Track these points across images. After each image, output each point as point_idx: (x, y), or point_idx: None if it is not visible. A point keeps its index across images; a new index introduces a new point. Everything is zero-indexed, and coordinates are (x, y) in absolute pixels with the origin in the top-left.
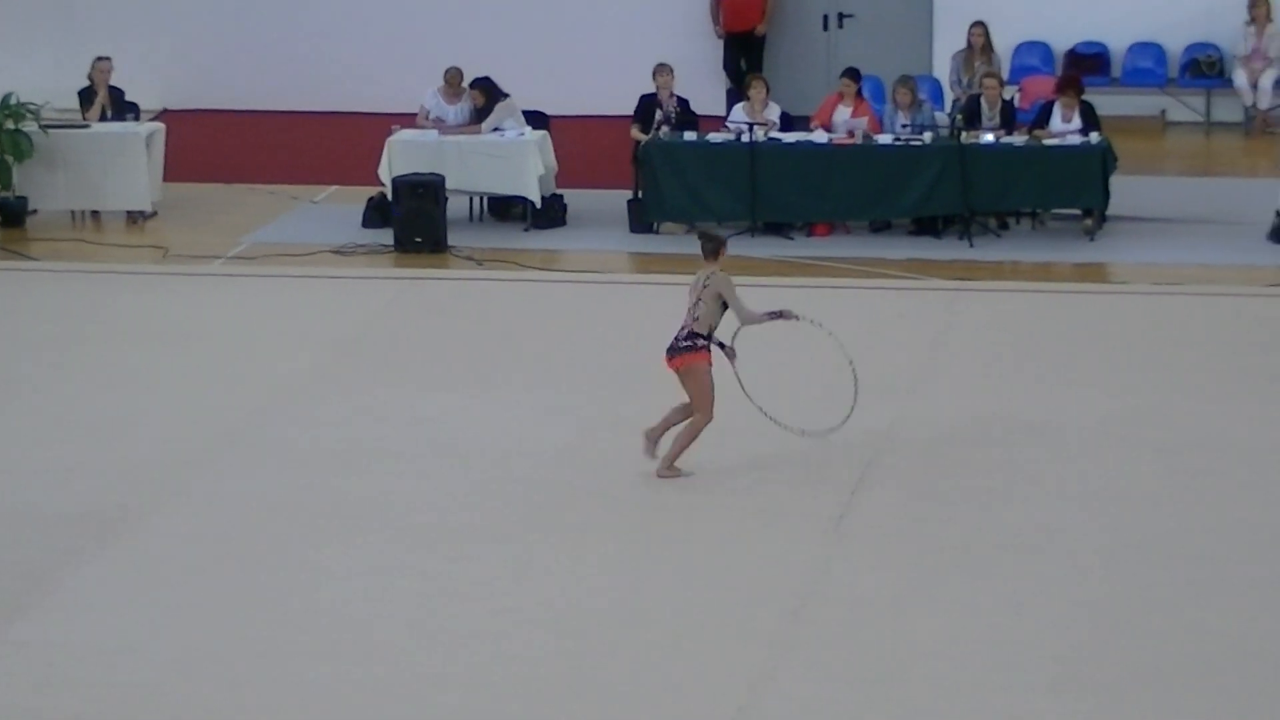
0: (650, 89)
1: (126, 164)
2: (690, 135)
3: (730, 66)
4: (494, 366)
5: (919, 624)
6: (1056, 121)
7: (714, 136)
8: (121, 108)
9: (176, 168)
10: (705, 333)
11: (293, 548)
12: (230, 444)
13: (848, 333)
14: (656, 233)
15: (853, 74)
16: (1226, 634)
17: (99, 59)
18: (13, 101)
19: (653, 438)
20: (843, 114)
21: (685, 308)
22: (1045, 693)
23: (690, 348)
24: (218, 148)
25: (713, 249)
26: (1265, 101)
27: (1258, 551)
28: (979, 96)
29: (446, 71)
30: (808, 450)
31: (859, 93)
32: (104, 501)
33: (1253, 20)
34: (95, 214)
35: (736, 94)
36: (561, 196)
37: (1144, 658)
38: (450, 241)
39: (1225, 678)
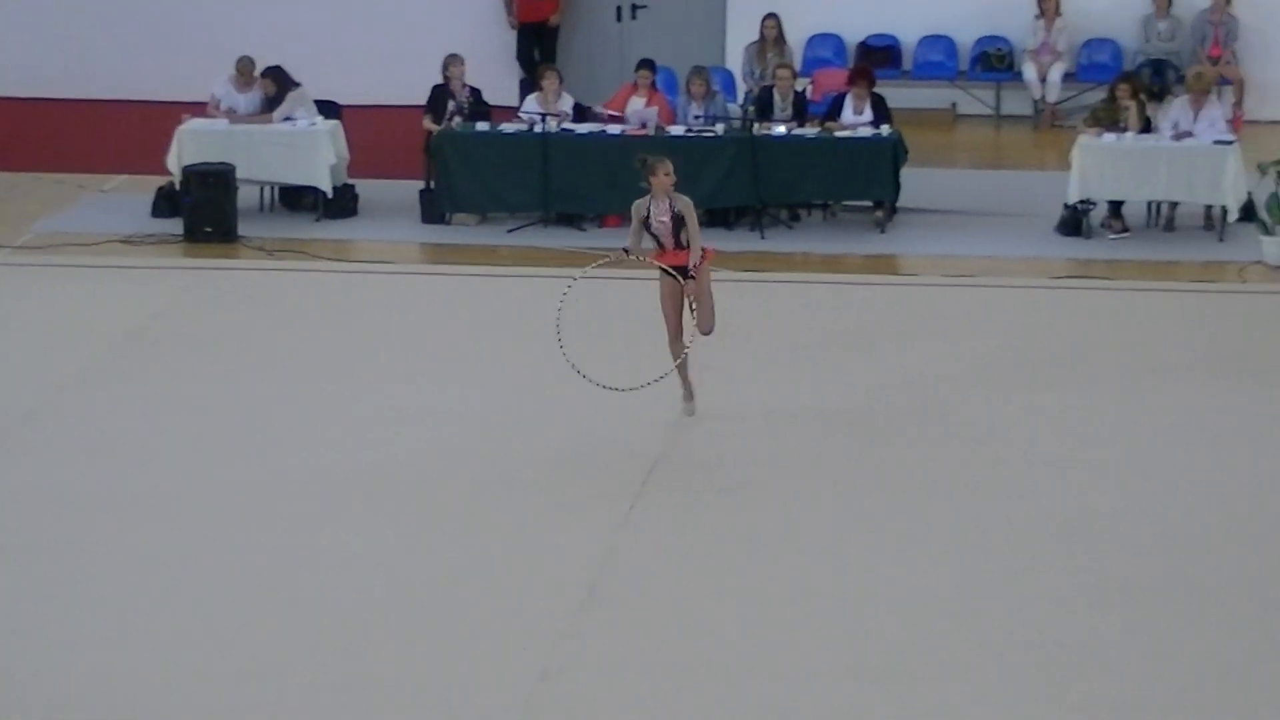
0: (442, 79)
1: None
2: (483, 126)
3: (523, 57)
4: (282, 357)
5: (709, 613)
6: (848, 114)
7: (506, 127)
8: None
9: None
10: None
11: (65, 537)
12: (10, 435)
13: (637, 322)
14: (448, 223)
15: (648, 65)
16: (1008, 622)
17: None
18: None
19: (687, 390)
20: (636, 104)
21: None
22: (839, 679)
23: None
24: (1, 135)
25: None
26: (1054, 95)
27: (1041, 540)
28: (771, 88)
29: (238, 60)
30: (599, 440)
31: (653, 84)
32: None
33: (1042, 14)
34: None
35: (530, 84)
36: (353, 186)
37: (938, 645)
38: (241, 231)
39: (1013, 666)
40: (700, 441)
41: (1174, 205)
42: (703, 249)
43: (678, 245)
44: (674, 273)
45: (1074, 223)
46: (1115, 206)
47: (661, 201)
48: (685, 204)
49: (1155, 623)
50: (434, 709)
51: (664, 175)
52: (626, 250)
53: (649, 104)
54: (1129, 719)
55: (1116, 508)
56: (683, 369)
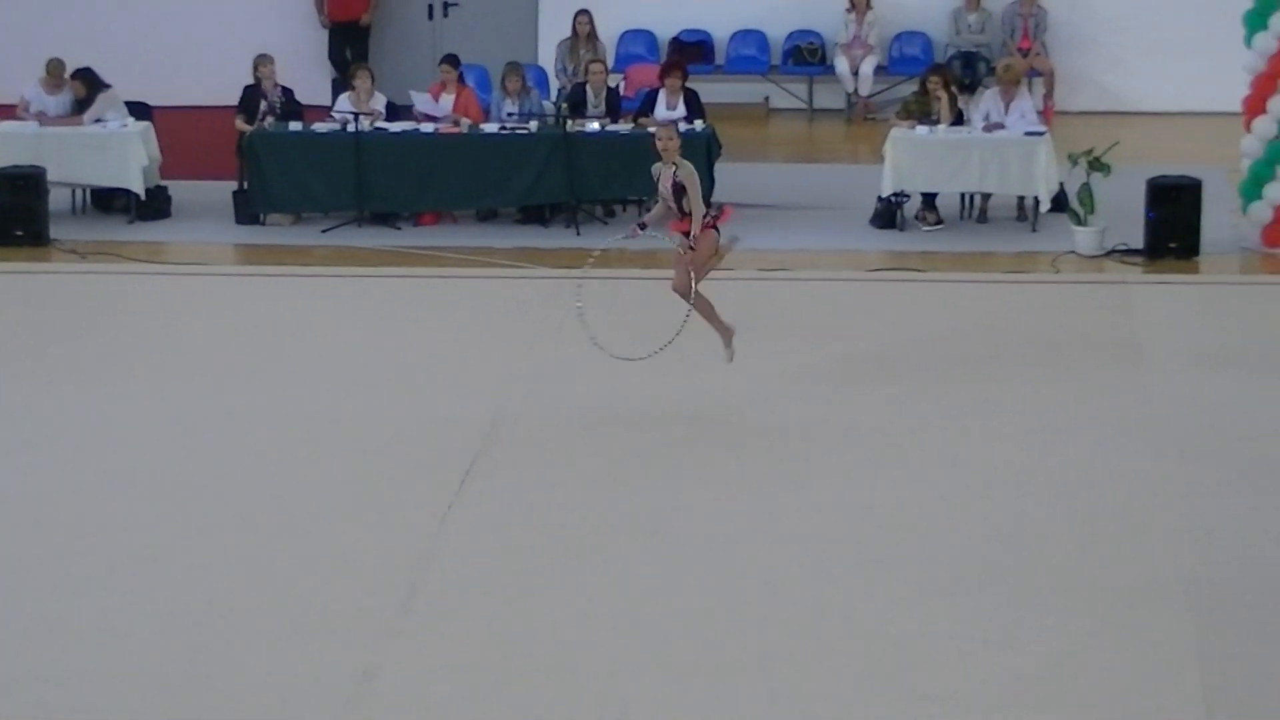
0: (253, 79)
1: None
2: (296, 126)
3: (335, 56)
4: (98, 360)
5: (529, 612)
6: (661, 109)
7: (319, 126)
8: None
9: None
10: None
11: None
12: None
13: (454, 323)
14: (263, 224)
15: (452, 60)
16: (842, 612)
17: None
18: None
19: (725, 337)
20: (446, 102)
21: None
22: (660, 677)
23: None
24: None
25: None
26: (866, 88)
27: (865, 533)
28: (584, 85)
29: (48, 62)
30: (417, 438)
31: (460, 79)
32: None
33: (853, 8)
34: None
35: (342, 84)
36: (166, 188)
37: (762, 638)
38: (53, 235)
39: (844, 656)
40: (520, 440)
41: (987, 197)
42: (720, 209)
43: (682, 212)
44: (681, 238)
45: (888, 215)
46: (929, 198)
47: (667, 168)
48: (686, 172)
49: (983, 614)
50: (252, 709)
51: (660, 141)
52: (641, 225)
53: (457, 100)
54: (960, 709)
55: (937, 500)
56: (711, 318)
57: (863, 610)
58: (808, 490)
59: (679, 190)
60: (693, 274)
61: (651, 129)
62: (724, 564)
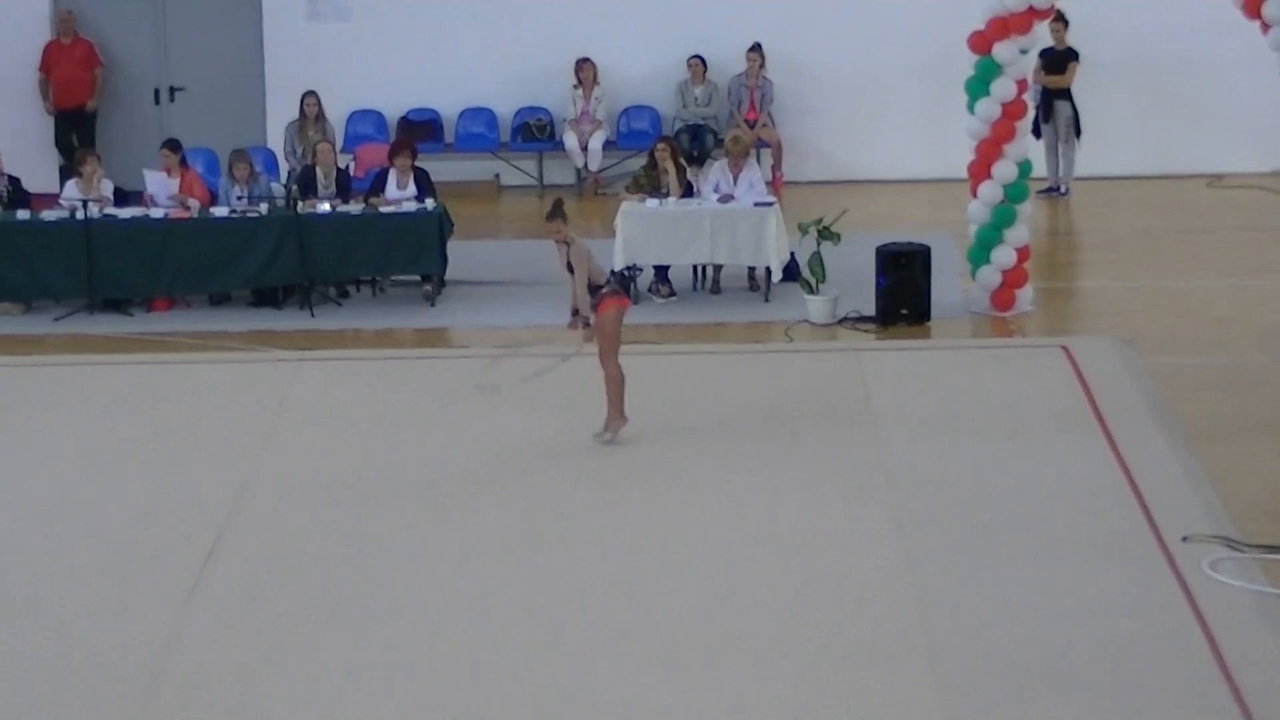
0: None
1: None
2: (24, 214)
3: (61, 142)
4: None
5: (271, 694)
6: (392, 188)
7: (48, 214)
8: None
9: None
10: (601, 283)
11: None
12: None
13: (190, 407)
14: None
15: (172, 145)
16: (569, 687)
17: None
18: None
19: (611, 422)
20: (171, 184)
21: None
22: None
23: (600, 299)
24: None
25: (554, 213)
26: (595, 163)
27: (591, 604)
28: (314, 166)
29: None
30: (155, 521)
31: (184, 162)
32: None
33: (579, 84)
34: None
35: (69, 171)
36: None
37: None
38: None
39: None
40: (263, 518)
41: (719, 268)
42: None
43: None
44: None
45: (623, 288)
46: (661, 271)
47: (561, 247)
48: (575, 251)
49: (712, 684)
50: None
51: (547, 228)
52: (574, 313)
53: (182, 183)
54: None
55: (663, 569)
56: (614, 398)
57: (588, 684)
58: (531, 562)
59: (570, 269)
60: (601, 350)
61: (384, 208)
62: (474, 636)
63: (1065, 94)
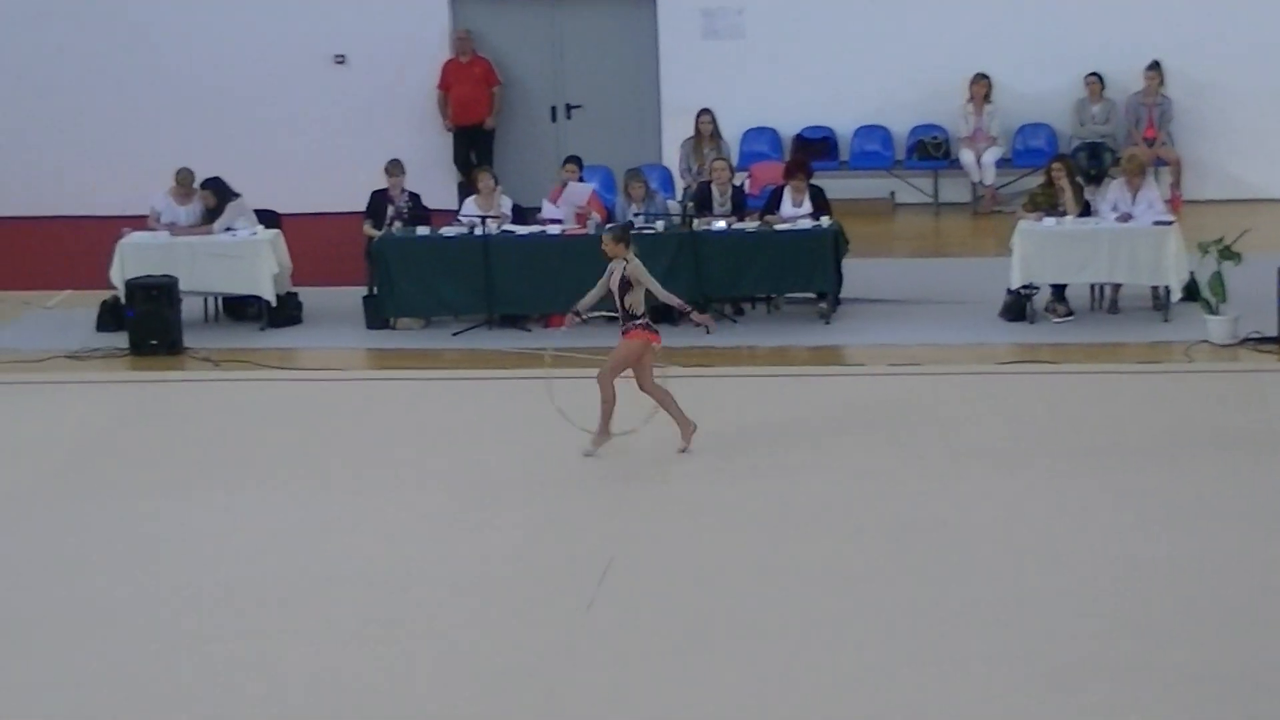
0: (381, 185)
1: None
2: (423, 230)
3: (460, 160)
4: (232, 468)
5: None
6: (787, 206)
7: (447, 230)
8: None
9: None
10: (639, 314)
11: (7, 655)
12: None
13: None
14: (393, 328)
15: (575, 161)
16: (954, 706)
17: None
18: None
19: (599, 434)
20: (582, 194)
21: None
22: None
23: (633, 327)
24: None
25: (622, 235)
26: (990, 178)
27: (976, 626)
28: (709, 184)
29: (177, 172)
30: (552, 543)
31: (581, 179)
32: None
33: (971, 100)
34: None
35: (468, 187)
36: (296, 294)
37: None
38: (186, 343)
39: None
40: (660, 539)
41: (1117, 287)
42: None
43: (623, 308)
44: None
45: (1018, 308)
46: (1058, 290)
47: (617, 264)
48: (634, 267)
49: (1097, 707)
50: None
51: (615, 249)
52: (576, 313)
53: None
54: None
55: (1057, 593)
56: (606, 415)
57: (975, 706)
58: (930, 584)
59: (624, 286)
60: (605, 369)
61: (779, 226)
62: (835, 666)
63: None
